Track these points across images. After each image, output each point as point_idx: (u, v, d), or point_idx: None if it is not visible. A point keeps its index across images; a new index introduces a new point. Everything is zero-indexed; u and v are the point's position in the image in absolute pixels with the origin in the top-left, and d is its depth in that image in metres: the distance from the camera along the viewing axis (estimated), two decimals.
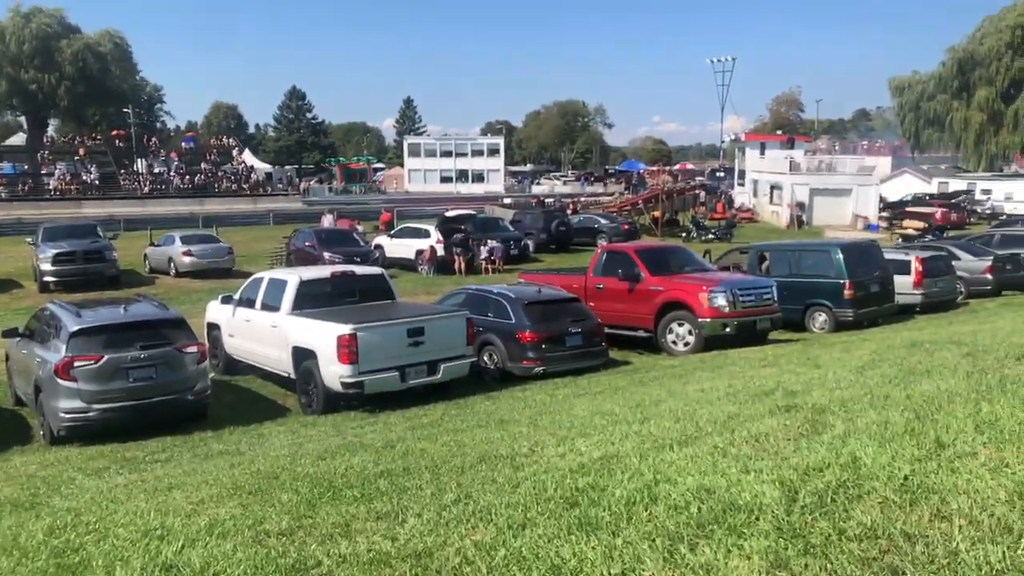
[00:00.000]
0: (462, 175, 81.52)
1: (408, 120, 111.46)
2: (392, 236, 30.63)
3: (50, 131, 73.17)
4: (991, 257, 20.68)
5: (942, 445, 3.97)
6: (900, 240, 31.24)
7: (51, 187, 54.65)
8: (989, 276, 20.29)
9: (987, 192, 49.65)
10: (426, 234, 29.06)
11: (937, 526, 3.02)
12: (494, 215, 37.94)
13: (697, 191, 47.38)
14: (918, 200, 46.66)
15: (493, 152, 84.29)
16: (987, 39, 52.51)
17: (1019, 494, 3.19)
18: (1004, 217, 40.28)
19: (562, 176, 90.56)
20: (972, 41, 54.23)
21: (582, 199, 54.04)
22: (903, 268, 17.69)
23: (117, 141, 63.88)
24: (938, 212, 39.58)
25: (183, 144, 70.57)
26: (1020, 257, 21.33)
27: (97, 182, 55.89)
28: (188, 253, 26.50)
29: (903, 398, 5.39)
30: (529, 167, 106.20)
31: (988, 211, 45.33)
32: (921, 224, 36.57)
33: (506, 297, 13.28)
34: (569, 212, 40.12)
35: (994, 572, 2.63)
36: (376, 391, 10.66)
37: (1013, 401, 4.68)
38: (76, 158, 58.72)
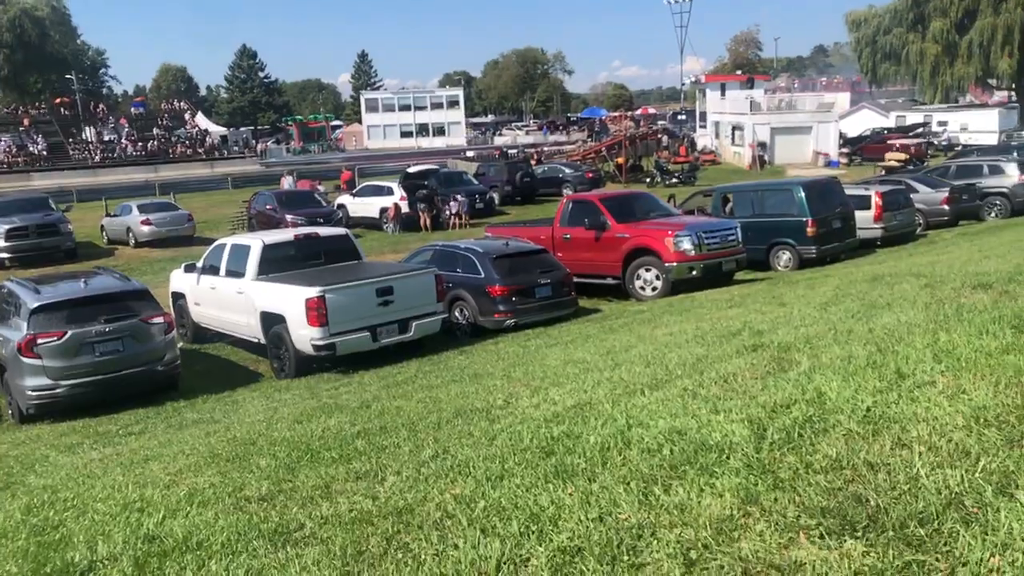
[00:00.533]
0: (422, 129, 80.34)
1: (364, 75, 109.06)
2: (354, 195, 30.24)
3: None
4: (948, 189, 21.05)
5: (902, 376, 4.08)
6: (883, 172, 31.63)
7: None
8: (946, 207, 20.67)
9: (943, 124, 50.32)
10: (389, 191, 28.72)
11: (898, 454, 3.11)
12: (457, 169, 37.62)
13: (660, 136, 47.34)
14: (877, 135, 47.17)
15: (453, 104, 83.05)
16: None
17: (976, 419, 3.29)
18: (960, 148, 40.93)
19: (524, 126, 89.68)
20: None
21: (545, 149, 53.66)
22: (863, 203, 17.95)
23: (62, 109, 61.83)
24: (918, 144, 40.48)
25: (132, 109, 68.51)
26: (975, 187, 21.75)
27: (45, 153, 54.18)
28: (147, 222, 25.94)
29: (865, 332, 5.52)
30: (490, 118, 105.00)
31: (944, 143, 45.99)
32: (903, 156, 37.37)
33: (474, 252, 13.26)
34: (533, 163, 39.88)
35: (953, 495, 2.72)
36: (348, 352, 10.65)
37: (969, 329, 4.82)
38: (21, 129, 56.76)
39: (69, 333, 9.72)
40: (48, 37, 67.67)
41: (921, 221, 20.00)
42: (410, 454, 4.74)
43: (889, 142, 41.47)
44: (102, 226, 27.99)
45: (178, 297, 13.85)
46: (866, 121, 55.69)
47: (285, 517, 3.86)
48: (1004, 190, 21.73)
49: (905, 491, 2.81)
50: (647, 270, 14.14)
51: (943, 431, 3.24)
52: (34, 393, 9.63)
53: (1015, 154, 27.23)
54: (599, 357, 7.18)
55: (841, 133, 45.74)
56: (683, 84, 71.51)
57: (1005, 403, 3.41)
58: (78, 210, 30.99)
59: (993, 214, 21.60)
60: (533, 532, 3.07)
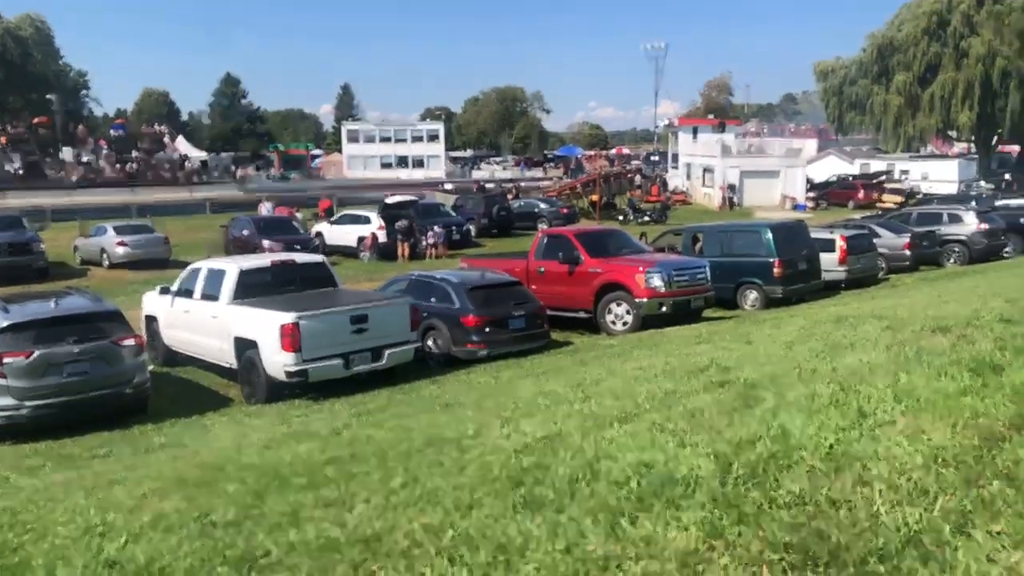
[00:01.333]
0: (402, 161, 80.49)
1: (346, 106, 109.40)
2: (332, 223, 30.22)
3: None
4: (909, 234, 21.56)
5: (864, 415, 4.17)
6: (880, 212, 32.51)
7: None
8: (908, 252, 21.17)
9: (905, 172, 51.69)
10: (367, 220, 28.76)
11: (860, 491, 3.17)
12: (435, 200, 37.76)
13: (633, 175, 48.04)
14: (842, 181, 48.31)
15: (433, 138, 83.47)
16: (905, 25, 54.18)
17: (934, 459, 3.37)
18: (920, 196, 42.06)
19: (502, 161, 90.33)
20: (891, 27, 55.89)
21: (522, 184, 54.11)
22: (828, 246, 18.33)
23: (41, 129, 61.15)
24: (908, 188, 43.10)
25: (112, 132, 67.93)
26: (935, 234, 22.32)
27: (21, 172, 53.46)
28: (122, 243, 25.66)
29: (829, 371, 5.63)
30: (469, 152, 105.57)
31: (906, 190, 47.16)
32: (898, 198, 39.99)
33: (449, 282, 13.32)
34: (510, 197, 40.18)
35: (912, 533, 2.78)
36: (320, 379, 10.59)
37: (928, 371, 4.93)
38: None
39: (36, 353, 9.57)
40: (30, 57, 67.17)
41: (883, 265, 20.43)
42: (380, 482, 4.73)
43: (887, 185, 42.92)
44: (75, 246, 27.62)
45: (151, 320, 13.71)
46: (832, 167, 57.08)
47: (251, 543, 3.83)
48: (963, 238, 22.32)
49: (866, 528, 2.86)
50: (618, 304, 14.28)
51: (903, 470, 3.31)
52: None
53: (974, 203, 28.07)
54: (570, 389, 7.22)
55: (808, 178, 46.81)
56: (657, 126, 73.02)
57: (962, 444, 3.49)
58: (53, 229, 30.53)
59: (952, 260, 22.15)
60: (500, 562, 3.09)
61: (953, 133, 57.96)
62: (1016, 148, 59.51)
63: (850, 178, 49.57)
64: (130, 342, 10.36)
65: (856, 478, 3.32)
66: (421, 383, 10.62)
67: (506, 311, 12.87)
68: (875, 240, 20.44)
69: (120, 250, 25.59)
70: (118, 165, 57.00)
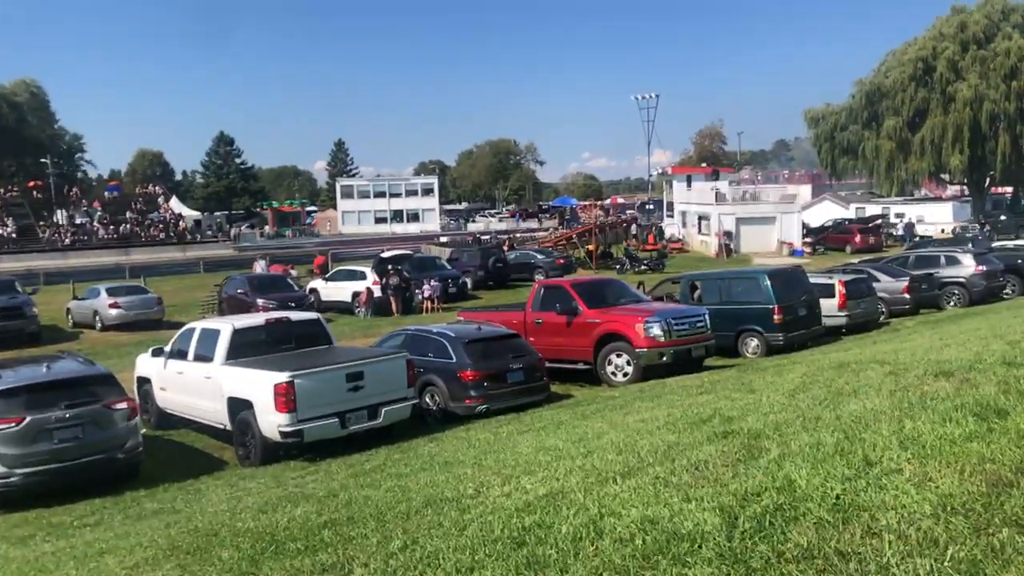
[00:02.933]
0: (397, 215, 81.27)
1: (340, 162, 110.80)
2: (327, 279, 30.28)
3: None
4: (908, 278, 21.64)
5: (870, 463, 4.12)
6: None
7: None
8: (907, 296, 21.21)
9: (900, 215, 52.22)
10: (362, 276, 28.82)
11: (869, 542, 3.12)
12: (431, 254, 37.96)
13: (628, 224, 48.42)
14: (838, 225, 48.72)
15: (427, 191, 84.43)
16: (891, 72, 55.46)
17: (943, 507, 3.32)
18: (918, 239, 42.38)
19: (497, 213, 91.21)
20: (878, 74, 57.23)
21: (517, 235, 54.51)
22: (828, 291, 18.36)
23: (35, 192, 61.71)
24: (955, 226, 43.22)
25: (107, 193, 68.71)
26: (934, 277, 22.39)
27: (14, 235, 53.74)
28: (115, 305, 25.62)
29: (833, 419, 5.58)
30: (464, 205, 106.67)
31: (902, 233, 47.58)
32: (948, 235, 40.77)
33: (446, 336, 13.25)
34: (505, 248, 40.43)
35: None
36: (316, 439, 10.45)
37: (933, 417, 4.90)
38: None
39: (27, 419, 9.45)
40: (25, 122, 68.28)
41: (884, 309, 20.44)
42: (378, 545, 4.62)
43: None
44: (68, 309, 27.58)
45: (143, 382, 13.59)
46: (828, 212, 57.70)
47: None
48: (962, 280, 22.38)
49: None
50: (618, 355, 14.21)
51: (912, 519, 3.26)
52: None
53: (970, 245, 28.25)
54: (571, 444, 7.14)
55: (804, 223, 47.19)
56: (651, 175, 73.71)
57: (971, 491, 3.45)
58: (45, 292, 30.58)
59: (952, 303, 22.18)
60: None
61: (946, 176, 58.81)
62: (1009, 190, 60.28)
63: (846, 222, 50.01)
64: (122, 405, 10.25)
65: (865, 529, 3.27)
66: (419, 441, 10.49)
67: (504, 364, 12.79)
68: (874, 284, 20.49)
69: (113, 312, 25.55)
70: (111, 226, 57.33)
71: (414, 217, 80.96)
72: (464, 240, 52.01)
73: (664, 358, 13.87)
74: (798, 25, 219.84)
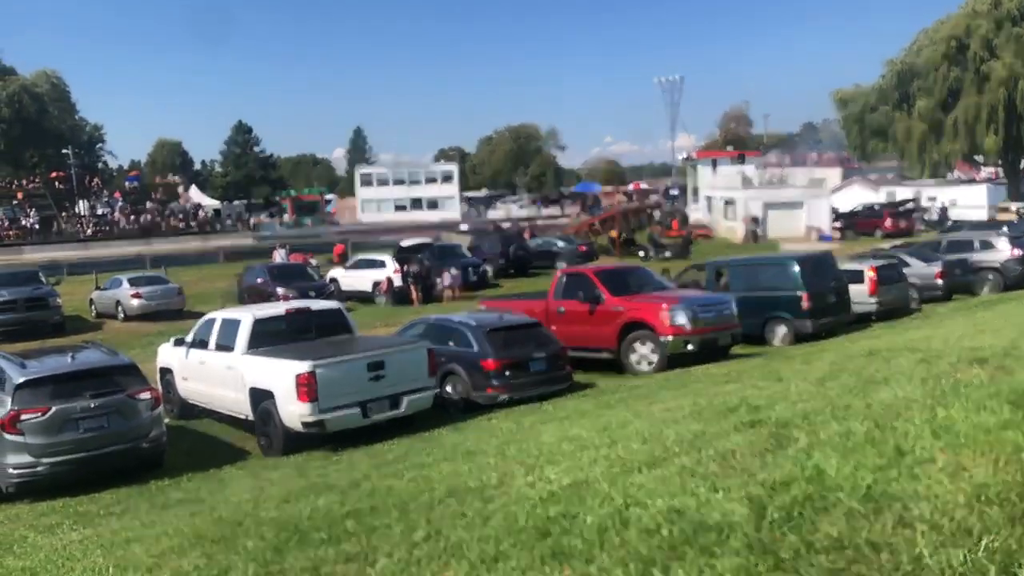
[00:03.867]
0: (416, 203, 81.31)
1: (359, 150, 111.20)
2: (347, 268, 30.42)
3: None
4: (940, 263, 21.28)
5: (902, 452, 4.04)
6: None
7: None
8: (939, 281, 20.87)
9: (932, 199, 51.32)
10: (382, 265, 28.92)
11: (901, 533, 3.06)
12: (451, 242, 38.01)
13: (652, 210, 48.10)
14: (868, 209, 48.01)
15: (447, 179, 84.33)
16: (923, 51, 54.45)
17: (977, 497, 3.25)
18: (951, 223, 41.67)
19: (518, 200, 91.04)
20: (909, 54, 56.23)
21: (539, 222, 54.40)
22: (857, 277, 18.10)
23: (57, 183, 62.48)
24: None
25: (127, 183, 69.38)
26: (968, 262, 22.00)
27: (37, 226, 54.55)
28: (137, 295, 25.89)
29: (863, 407, 5.48)
30: (484, 192, 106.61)
31: (935, 218, 46.70)
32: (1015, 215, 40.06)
33: (467, 325, 13.23)
34: (526, 236, 40.36)
35: (956, 574, 2.67)
36: (338, 429, 10.48)
37: (967, 405, 4.79)
38: (14, 203, 57.30)
39: (53, 409, 9.56)
40: (47, 113, 68.98)
41: (915, 295, 20.13)
42: (401, 535, 4.61)
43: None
44: (91, 299, 27.95)
45: (166, 372, 13.71)
46: (857, 196, 56.74)
47: None
48: (996, 265, 21.97)
49: (909, 571, 2.76)
50: (642, 344, 14.10)
51: (945, 509, 3.19)
52: (15, 471, 9.40)
53: (1005, 229, 27.69)
54: (595, 434, 7.08)
55: (833, 208, 46.55)
56: (675, 160, 73.16)
57: (1006, 480, 3.37)
58: (68, 283, 31.01)
59: (986, 288, 21.78)
60: None
61: (979, 158, 57.75)
62: None
63: (876, 206, 49.24)
64: (146, 395, 10.34)
65: (896, 519, 3.21)
66: (441, 430, 10.50)
67: (527, 353, 12.74)
68: (905, 270, 20.16)
69: (135, 302, 25.83)
70: (132, 217, 58.00)
71: (434, 205, 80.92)
72: (485, 228, 51.99)
73: (689, 346, 13.75)
74: (827, 4, 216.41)
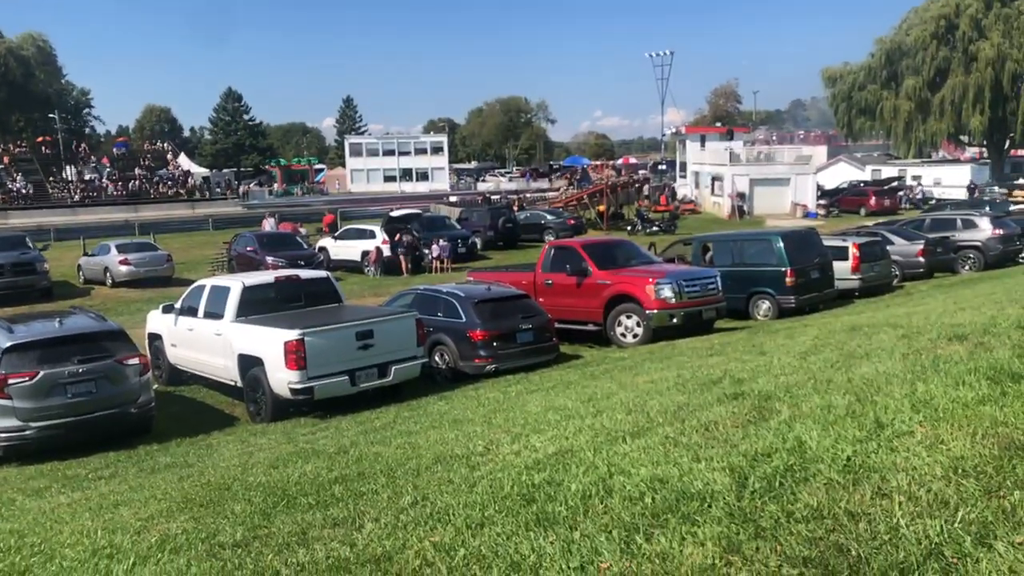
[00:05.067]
0: (406, 174, 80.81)
1: (348, 119, 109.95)
2: (336, 238, 30.29)
3: None
4: (923, 241, 21.44)
5: (881, 425, 4.11)
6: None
7: None
8: (921, 259, 21.03)
9: (917, 178, 51.53)
10: (371, 235, 28.82)
11: (879, 503, 3.14)
12: (440, 214, 37.84)
13: (640, 184, 48.02)
14: (853, 187, 48.18)
15: (437, 150, 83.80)
16: (913, 30, 54.32)
17: (954, 469, 3.33)
18: (934, 202, 41.91)
19: (507, 173, 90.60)
20: (899, 32, 56.09)
21: (528, 195, 54.23)
22: (841, 254, 18.21)
23: (44, 148, 61.60)
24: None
25: (115, 150, 68.42)
26: (949, 240, 22.18)
27: (24, 191, 53.85)
28: (125, 262, 25.70)
29: (844, 381, 5.57)
30: (474, 164, 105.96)
31: (917, 196, 46.95)
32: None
33: (456, 296, 13.26)
34: (515, 209, 40.24)
35: (932, 545, 2.74)
36: (326, 396, 10.53)
37: (946, 380, 4.88)
38: (0, 167, 56.47)
39: (41, 373, 9.54)
40: (33, 76, 67.83)
41: (897, 272, 20.31)
42: (389, 501, 4.67)
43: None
44: (79, 265, 27.72)
45: (155, 338, 13.68)
46: (843, 174, 56.94)
47: (260, 564, 3.78)
48: (977, 243, 22.17)
49: (886, 541, 2.83)
50: (628, 317, 14.19)
51: (922, 481, 3.27)
52: (3, 435, 9.40)
53: (987, 208, 27.88)
54: (580, 404, 7.16)
55: (819, 185, 46.68)
56: (664, 135, 72.83)
57: (982, 453, 3.46)
58: (56, 249, 30.73)
59: (967, 267, 22.00)
60: None
61: (965, 138, 57.90)
62: None
63: (861, 184, 49.44)
64: (134, 361, 10.33)
65: (875, 490, 3.28)
66: (428, 399, 10.57)
67: (514, 325, 12.81)
68: (888, 247, 20.30)
69: (123, 269, 25.64)
70: (120, 183, 57.32)
71: (423, 176, 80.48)
72: (474, 200, 51.76)
73: (674, 320, 13.85)
74: None
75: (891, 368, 5.75)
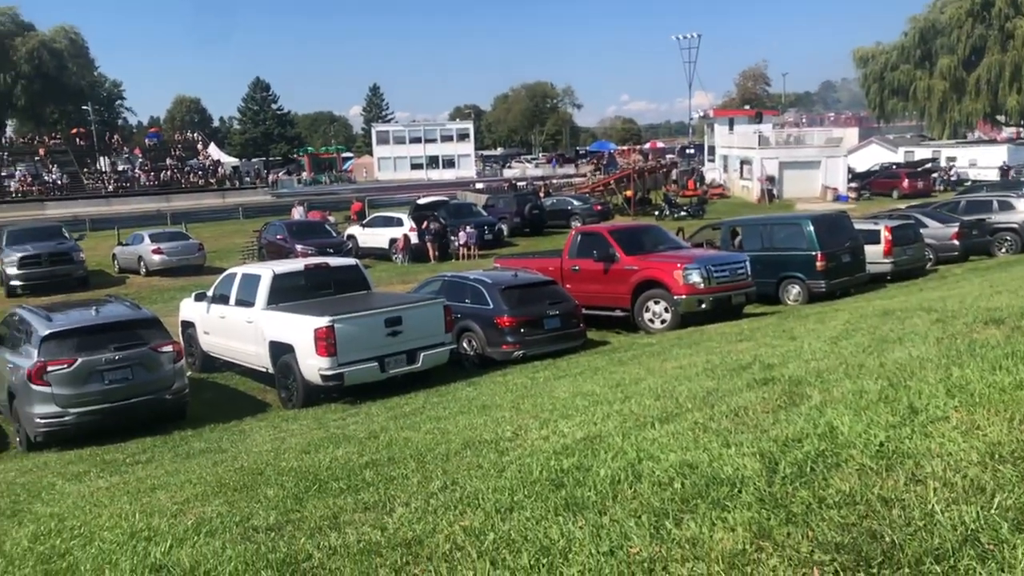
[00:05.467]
0: (432, 161, 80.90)
1: (375, 107, 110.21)
2: (364, 226, 30.46)
3: (8, 132, 71.64)
4: (957, 224, 21.01)
5: (915, 411, 4.05)
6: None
7: (12, 189, 53.57)
8: (956, 242, 20.61)
9: (952, 159, 50.41)
10: (399, 223, 28.93)
11: (913, 489, 3.09)
12: (467, 200, 37.86)
13: (668, 169, 47.61)
14: (885, 170, 47.28)
15: (463, 137, 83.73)
16: (948, 7, 53.09)
17: (990, 455, 3.27)
18: (969, 183, 40.95)
19: (533, 159, 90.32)
20: (933, 10, 54.87)
21: (554, 181, 54.04)
22: (873, 237, 17.92)
23: (78, 140, 62.65)
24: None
25: (147, 140, 69.43)
26: (985, 223, 21.70)
27: (60, 182, 54.84)
28: (158, 251, 26.14)
29: (877, 366, 5.49)
30: (500, 151, 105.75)
31: (952, 178, 45.92)
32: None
33: (483, 283, 13.28)
34: (541, 195, 40.12)
35: (968, 531, 2.69)
36: (356, 382, 10.64)
37: (982, 365, 4.79)
38: (36, 158, 57.58)
39: (79, 360, 9.75)
40: (66, 69, 68.82)
41: (931, 256, 19.94)
42: (419, 485, 4.71)
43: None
44: (114, 255, 28.21)
45: (188, 326, 13.90)
46: (875, 156, 55.81)
47: (293, 547, 3.84)
48: (1014, 225, 21.67)
49: (920, 527, 2.79)
50: (656, 302, 14.11)
51: (958, 467, 3.21)
52: (43, 421, 9.64)
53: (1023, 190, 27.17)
54: (608, 390, 7.15)
55: (850, 168, 45.87)
56: (691, 119, 72.04)
57: (1020, 439, 3.39)
58: (91, 239, 31.27)
59: (1004, 250, 21.51)
60: (543, 565, 3.04)
61: (1001, 118, 56.53)
62: None
63: (894, 167, 48.45)
64: (168, 348, 10.52)
65: (909, 476, 3.23)
66: (457, 385, 10.62)
67: (541, 311, 12.81)
68: (922, 230, 19.91)
69: (156, 258, 26.07)
70: (152, 173, 58.14)
71: (450, 163, 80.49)
72: (500, 186, 51.69)
73: (703, 305, 13.74)
74: None
75: (925, 353, 5.66)
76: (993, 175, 44.24)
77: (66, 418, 9.67)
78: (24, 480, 7.98)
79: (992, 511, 2.79)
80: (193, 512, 5.02)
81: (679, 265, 13.97)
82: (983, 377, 4.46)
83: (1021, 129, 57.71)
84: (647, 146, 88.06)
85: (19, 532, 5.39)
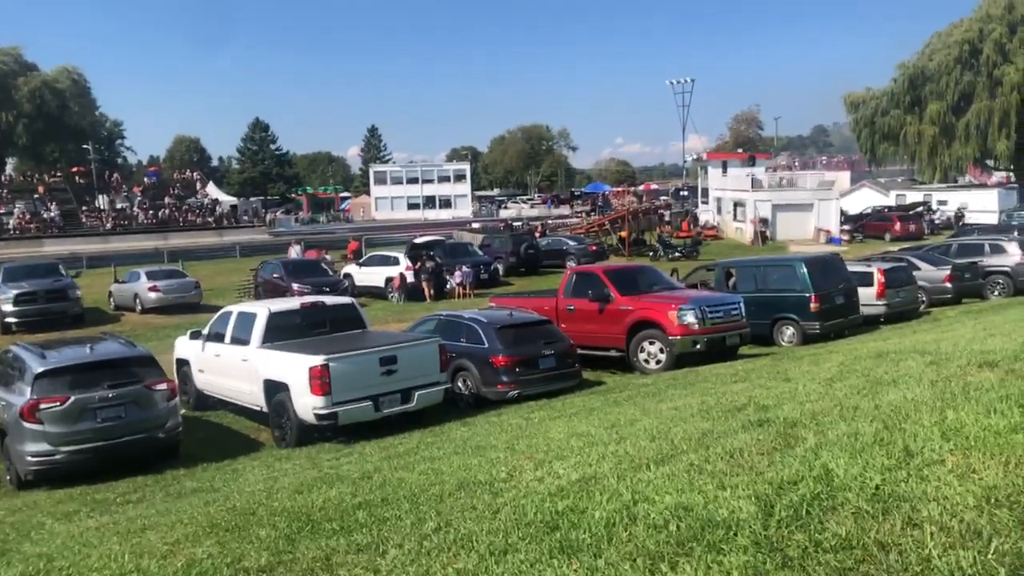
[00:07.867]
0: (429, 201, 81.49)
1: (373, 148, 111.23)
2: (361, 265, 30.55)
3: (8, 169, 72.05)
4: (950, 266, 21.16)
5: (911, 454, 4.05)
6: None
7: (10, 226, 53.66)
8: (948, 285, 20.75)
9: (943, 203, 50.96)
10: (395, 261, 29.03)
11: (909, 534, 3.07)
12: (463, 240, 38.05)
13: (662, 210, 48.00)
14: (877, 213, 47.76)
15: (459, 178, 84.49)
16: (936, 55, 54.04)
17: (986, 499, 3.26)
18: (962, 226, 41.33)
19: (529, 199, 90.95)
20: (922, 57, 55.81)
21: (549, 222, 54.37)
22: (866, 280, 18.04)
23: (77, 178, 63.01)
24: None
25: (146, 179, 69.83)
26: (977, 266, 21.87)
27: (58, 220, 54.98)
28: (154, 289, 26.11)
29: (871, 408, 5.49)
30: (496, 191, 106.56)
31: (942, 221, 46.35)
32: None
33: (478, 322, 13.29)
34: (537, 235, 40.33)
35: None
36: (350, 421, 10.57)
37: (977, 408, 4.79)
38: (35, 196, 57.79)
39: (72, 398, 9.69)
40: (67, 108, 69.56)
41: (924, 298, 20.04)
42: (412, 527, 4.67)
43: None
44: (110, 292, 28.17)
45: (182, 364, 13.85)
46: (867, 199, 56.46)
47: None
48: (1006, 269, 21.84)
49: (917, 572, 2.77)
50: (651, 343, 14.12)
51: (954, 511, 3.20)
52: (34, 459, 9.54)
53: (1016, 233, 27.47)
54: (604, 430, 7.12)
55: (842, 211, 46.33)
56: (685, 161, 72.80)
57: (1016, 483, 3.38)
58: (88, 276, 31.28)
59: (996, 292, 21.66)
60: None
61: (991, 162, 57.23)
62: None
63: (886, 210, 49.00)
64: (163, 387, 10.47)
65: (905, 520, 3.21)
66: (451, 425, 10.56)
67: (536, 350, 12.80)
68: (914, 273, 20.07)
69: (152, 295, 26.03)
70: (151, 211, 58.35)
71: (446, 203, 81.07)
72: (496, 226, 51.96)
73: (698, 346, 13.76)
74: (840, 7, 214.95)
75: (919, 395, 5.67)
76: (985, 218, 44.59)
77: (57, 456, 9.58)
78: (13, 519, 7.88)
79: (989, 556, 2.78)
80: (183, 553, 4.96)
81: (674, 306, 14.02)
82: (978, 420, 4.46)
83: (1010, 173, 58.40)
84: (641, 188, 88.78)
85: (7, 573, 5.31)
